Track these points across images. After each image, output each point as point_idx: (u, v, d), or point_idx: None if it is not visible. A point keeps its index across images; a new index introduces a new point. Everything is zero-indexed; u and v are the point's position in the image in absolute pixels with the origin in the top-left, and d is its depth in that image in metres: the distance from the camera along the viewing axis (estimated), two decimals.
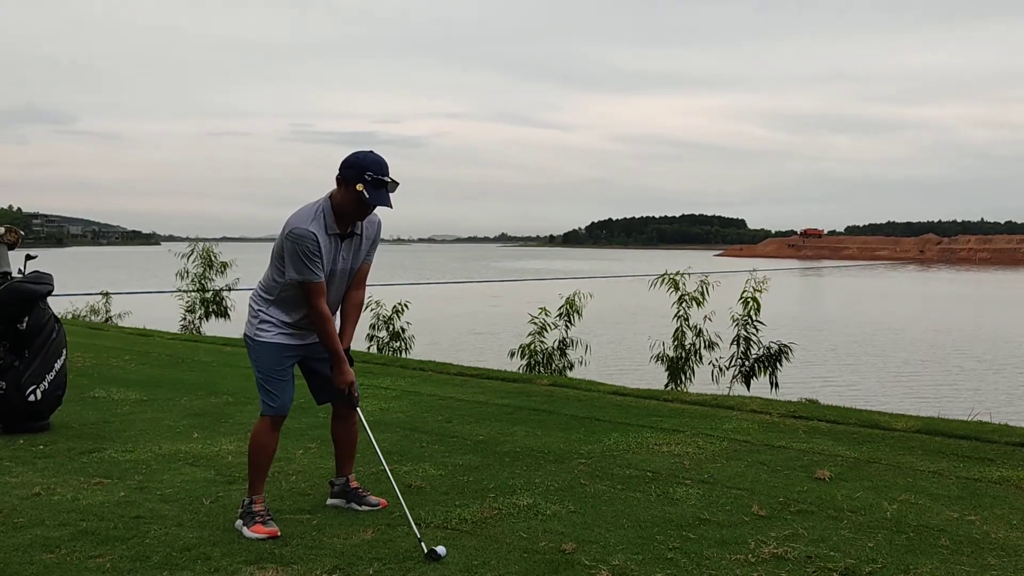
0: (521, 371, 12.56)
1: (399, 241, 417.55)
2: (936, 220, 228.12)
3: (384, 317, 15.21)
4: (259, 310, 4.12)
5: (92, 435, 5.90)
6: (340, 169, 3.94)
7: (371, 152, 3.96)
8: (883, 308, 46.27)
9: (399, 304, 15.38)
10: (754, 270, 11.50)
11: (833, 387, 18.27)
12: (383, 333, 15.23)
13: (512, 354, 13.24)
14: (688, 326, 11.80)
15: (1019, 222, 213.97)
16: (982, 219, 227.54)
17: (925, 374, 21.74)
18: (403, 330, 15.53)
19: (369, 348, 14.74)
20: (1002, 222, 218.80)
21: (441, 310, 41.65)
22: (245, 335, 4.19)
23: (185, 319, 18.39)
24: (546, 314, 13.06)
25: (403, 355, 14.57)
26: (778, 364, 11.00)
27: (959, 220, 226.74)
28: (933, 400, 17.04)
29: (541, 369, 12.76)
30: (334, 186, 3.98)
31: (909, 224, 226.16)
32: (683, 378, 11.47)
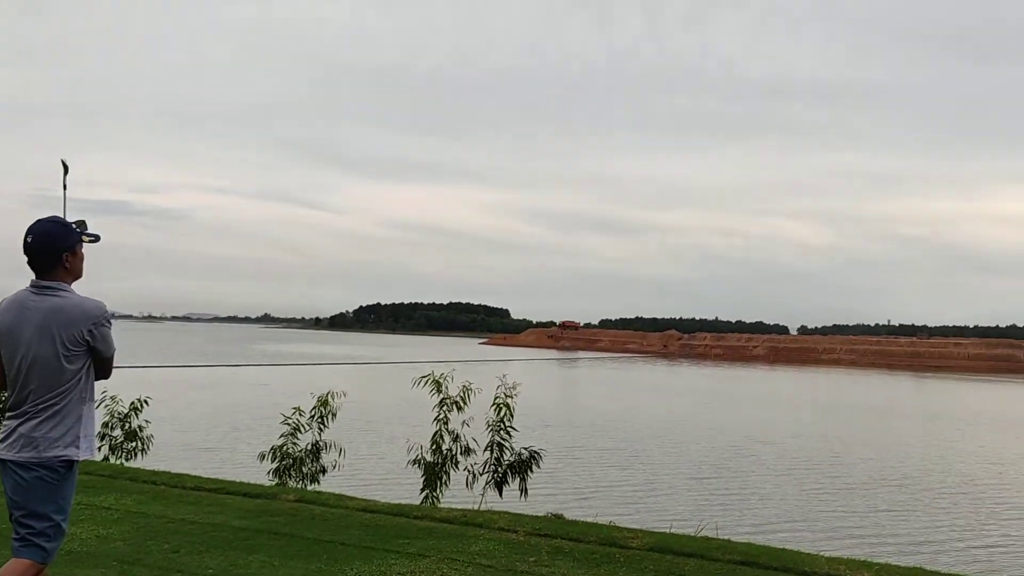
0: (271, 475, 11.96)
1: (150, 319, 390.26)
2: (678, 317, 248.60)
3: (120, 415, 13.91)
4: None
5: None
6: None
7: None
8: (636, 406, 49.25)
9: (138, 401, 14.15)
10: (504, 375, 11.72)
11: (581, 495, 18.91)
12: (117, 432, 13.90)
13: (263, 456, 12.57)
14: (447, 430, 11.77)
15: (748, 321, 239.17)
16: (716, 317, 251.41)
17: (663, 480, 23.07)
18: (141, 428, 14.28)
19: (100, 448, 13.41)
20: (733, 321, 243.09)
21: (195, 399, 39.11)
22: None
23: None
24: (300, 414, 12.56)
25: (139, 457, 13.39)
26: (529, 471, 11.20)
27: (697, 318, 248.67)
28: (671, 512, 18.11)
29: (292, 472, 12.18)
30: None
31: (655, 320, 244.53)
32: (439, 484, 11.35)
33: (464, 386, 11.83)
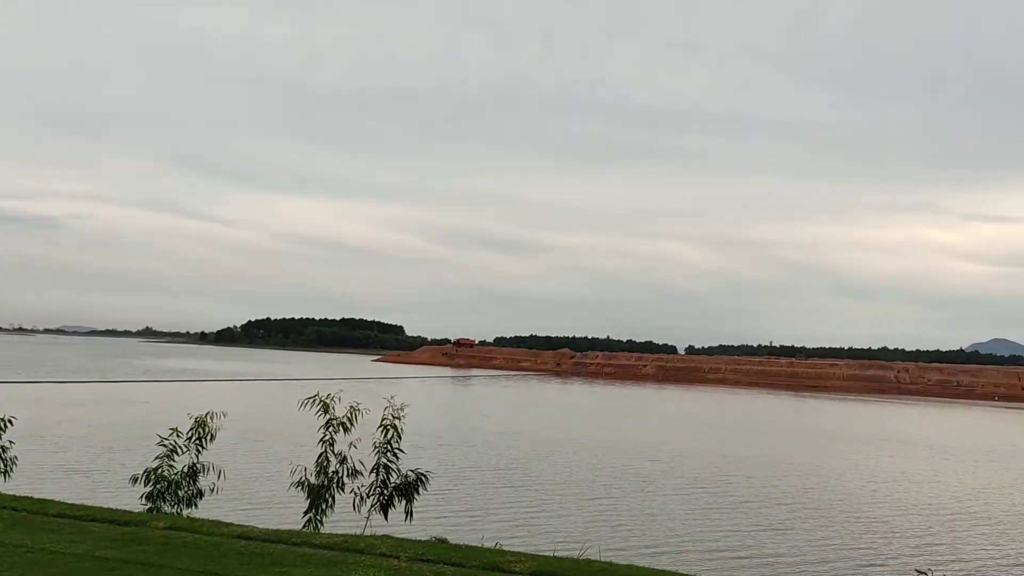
0: (144, 500, 11.37)
1: (20, 331, 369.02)
2: (571, 336, 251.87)
3: None
4: None
5: None
6: None
7: None
8: (530, 424, 49.43)
9: (1, 420, 13.25)
10: (392, 396, 11.55)
11: (472, 516, 18.74)
12: None
13: (135, 480, 11.94)
14: (333, 452, 11.46)
15: (638, 341, 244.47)
16: (608, 337, 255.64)
17: (554, 499, 23.08)
18: (4, 449, 13.35)
19: None
20: (624, 340, 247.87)
21: (66, 417, 37.17)
22: None
23: None
24: (177, 435, 11.99)
25: (1, 481, 12.51)
26: (416, 493, 11.02)
27: (589, 337, 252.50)
28: (561, 533, 18.13)
29: (167, 496, 11.60)
30: None
31: (548, 338, 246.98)
32: (323, 507, 11.03)
33: (351, 407, 11.58)
